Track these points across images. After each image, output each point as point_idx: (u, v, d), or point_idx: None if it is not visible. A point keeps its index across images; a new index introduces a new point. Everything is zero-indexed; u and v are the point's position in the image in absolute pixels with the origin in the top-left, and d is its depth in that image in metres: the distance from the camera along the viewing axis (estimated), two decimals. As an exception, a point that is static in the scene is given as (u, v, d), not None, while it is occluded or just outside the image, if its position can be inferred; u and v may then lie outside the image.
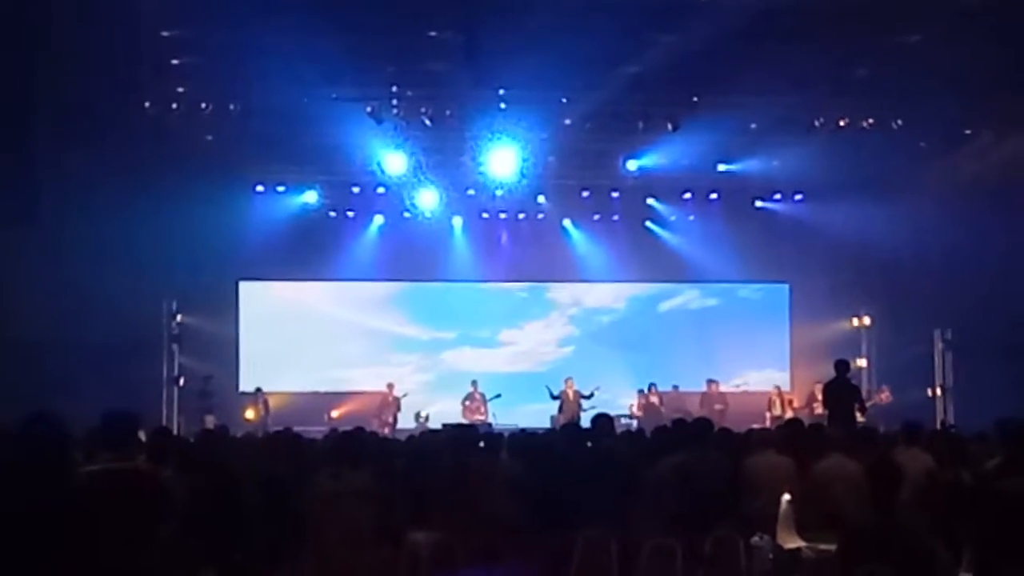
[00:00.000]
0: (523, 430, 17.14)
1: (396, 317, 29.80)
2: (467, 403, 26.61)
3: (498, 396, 26.65)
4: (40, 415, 5.16)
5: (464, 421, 23.33)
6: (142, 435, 10.42)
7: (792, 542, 9.22)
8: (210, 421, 23.55)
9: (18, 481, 5.01)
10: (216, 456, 12.49)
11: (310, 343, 29.26)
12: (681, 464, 11.43)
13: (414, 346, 29.77)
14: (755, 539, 9.21)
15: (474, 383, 27.13)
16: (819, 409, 24.15)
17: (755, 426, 18.48)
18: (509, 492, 11.07)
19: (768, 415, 25.94)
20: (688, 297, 30.47)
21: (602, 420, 12.50)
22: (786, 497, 9.55)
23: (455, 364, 29.51)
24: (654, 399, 27.10)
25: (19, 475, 5.03)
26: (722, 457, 11.73)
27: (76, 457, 6.28)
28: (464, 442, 11.80)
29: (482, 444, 12.59)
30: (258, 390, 27.05)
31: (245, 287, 28.93)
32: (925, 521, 8.34)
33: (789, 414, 24.49)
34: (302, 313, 29.58)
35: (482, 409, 26.43)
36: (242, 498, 10.73)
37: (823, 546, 8.83)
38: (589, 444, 11.84)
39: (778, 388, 27.76)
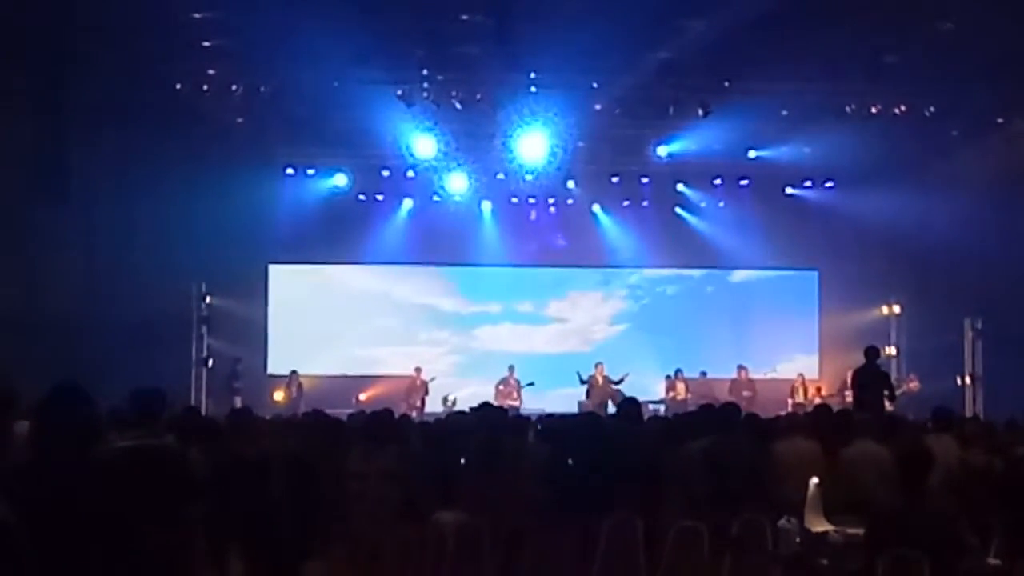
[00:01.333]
0: (551, 415, 17.14)
1: (425, 300, 29.83)
2: (501, 387, 26.57)
3: (531, 384, 26.66)
4: (65, 386, 5.15)
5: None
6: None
7: (820, 526, 9.19)
8: (236, 403, 23.56)
9: (44, 453, 5.01)
10: (244, 436, 12.58)
11: (339, 326, 29.33)
12: (709, 448, 11.41)
13: (442, 330, 29.82)
14: (782, 522, 9.18)
15: (511, 368, 27.10)
16: (850, 397, 24.10)
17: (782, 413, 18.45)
18: (536, 475, 11.07)
19: (791, 402, 25.87)
20: (717, 283, 30.38)
21: (629, 404, 12.48)
22: (814, 480, 9.52)
23: (483, 347, 29.53)
24: (681, 385, 27.09)
25: (46, 447, 5.03)
26: (750, 442, 11.70)
27: (104, 431, 6.25)
28: (492, 423, 11.78)
29: (510, 426, 12.57)
30: (293, 373, 27.14)
31: (274, 270, 28.99)
32: (954, 507, 8.29)
33: (817, 401, 24.38)
34: (331, 296, 29.67)
35: (515, 395, 26.40)
36: (270, 478, 10.77)
37: (851, 530, 8.81)
38: (616, 428, 11.82)
39: (801, 376, 27.72)
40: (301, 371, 27.32)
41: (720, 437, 11.59)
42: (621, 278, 30.40)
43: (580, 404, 24.86)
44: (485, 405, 13.35)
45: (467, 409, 14.34)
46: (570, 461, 11.05)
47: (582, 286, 30.38)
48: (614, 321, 30.17)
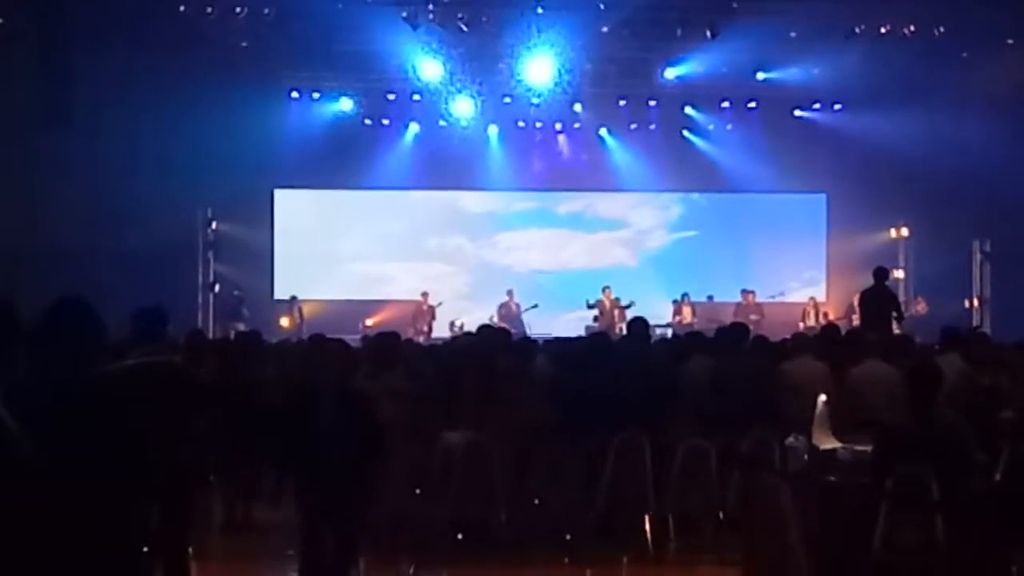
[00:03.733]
0: (557, 338, 17.13)
1: (430, 224, 29.78)
2: (501, 311, 26.58)
3: (535, 306, 26.64)
4: (68, 299, 5.09)
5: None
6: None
7: (828, 443, 9.17)
8: (239, 327, 23.57)
9: (45, 367, 4.96)
10: (251, 357, 12.61)
11: (345, 251, 29.33)
12: (717, 367, 11.41)
13: (449, 255, 29.77)
14: (790, 440, 9.16)
15: (510, 292, 27.10)
16: (857, 320, 24.08)
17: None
18: (543, 394, 11.07)
19: (802, 325, 25.78)
20: (725, 207, 30.27)
21: (638, 323, 12.44)
22: (822, 398, 9.49)
23: (489, 269, 29.49)
24: (687, 309, 27.09)
25: (48, 361, 4.98)
26: (758, 361, 11.70)
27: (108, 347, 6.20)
28: (497, 343, 11.76)
29: (512, 347, 12.57)
30: (293, 298, 27.18)
31: (280, 195, 28.93)
32: (962, 425, 8.27)
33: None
34: (337, 221, 29.62)
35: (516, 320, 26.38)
36: (274, 399, 10.79)
37: (859, 447, 8.79)
38: (624, 347, 11.82)
39: (813, 299, 27.70)
40: (308, 296, 27.36)
41: (728, 356, 11.61)
42: (626, 201, 30.27)
43: (588, 329, 24.84)
44: (484, 328, 13.32)
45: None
46: (578, 380, 11.04)
47: (591, 210, 30.28)
48: (622, 245, 30.08)
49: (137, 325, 8.11)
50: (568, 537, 10.53)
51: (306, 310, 27.09)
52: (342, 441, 8.07)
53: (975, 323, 25.39)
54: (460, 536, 10.51)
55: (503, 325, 22.19)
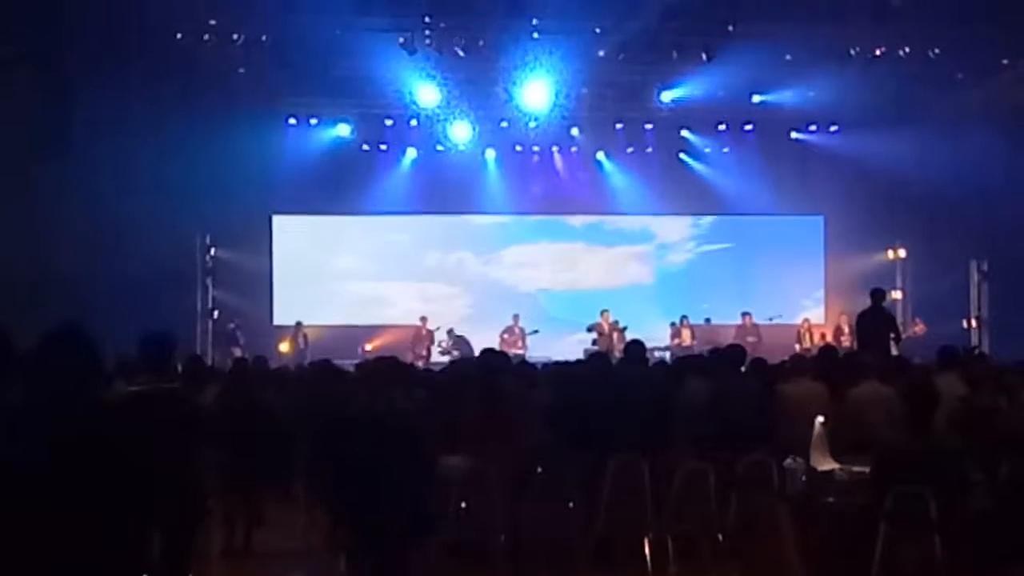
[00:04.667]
0: (557, 362, 17.16)
1: (427, 249, 29.81)
2: (505, 336, 26.60)
3: (535, 332, 26.70)
4: (65, 327, 5.11)
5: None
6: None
7: (826, 464, 9.19)
8: (236, 353, 23.58)
9: (42, 394, 4.98)
10: (253, 384, 12.64)
11: (344, 277, 29.38)
12: (715, 389, 11.43)
13: (446, 278, 29.79)
14: (788, 461, 9.18)
15: (515, 317, 27.19)
16: (846, 341, 24.15)
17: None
18: (542, 418, 11.08)
19: (798, 347, 25.83)
20: (722, 230, 30.32)
21: (635, 346, 12.47)
22: (819, 419, 9.51)
23: (487, 294, 29.52)
24: (686, 332, 27.13)
25: (44, 388, 4.99)
26: (756, 383, 11.72)
27: (107, 373, 6.22)
28: (496, 367, 11.77)
29: (513, 371, 12.58)
30: (298, 324, 27.22)
31: (279, 220, 29.01)
32: (960, 445, 8.30)
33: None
34: (335, 247, 29.70)
35: (519, 343, 26.42)
36: (278, 424, 10.81)
37: (857, 468, 8.81)
38: (622, 369, 11.84)
39: (807, 321, 27.76)
40: (307, 322, 27.38)
41: (726, 378, 11.63)
42: (625, 225, 30.30)
43: (587, 352, 24.82)
44: (487, 351, 13.33)
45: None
46: (576, 402, 11.06)
47: (589, 234, 30.30)
48: (619, 268, 30.11)
49: (144, 350, 8.09)
50: (567, 560, 10.52)
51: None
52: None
53: (973, 343, 25.42)
54: (459, 559, 10.50)
55: (512, 352, 22.28)
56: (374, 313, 28.92)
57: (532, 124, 27.26)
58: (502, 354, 13.56)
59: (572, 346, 25.25)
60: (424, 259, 29.79)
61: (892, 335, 17.46)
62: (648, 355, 15.19)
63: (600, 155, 29.41)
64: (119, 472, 4.89)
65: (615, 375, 11.87)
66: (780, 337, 26.59)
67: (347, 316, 28.71)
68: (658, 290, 29.48)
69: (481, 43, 23.80)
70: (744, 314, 27.31)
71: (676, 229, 30.39)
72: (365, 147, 28.39)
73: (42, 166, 22.36)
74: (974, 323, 27.52)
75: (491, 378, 11.13)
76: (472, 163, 28.77)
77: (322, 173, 27.72)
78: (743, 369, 12.32)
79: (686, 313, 27.60)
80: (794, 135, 28.74)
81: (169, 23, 22.85)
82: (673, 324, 27.47)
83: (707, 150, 29.16)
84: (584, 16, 22.84)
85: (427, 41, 23.45)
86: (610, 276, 30.00)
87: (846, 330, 25.06)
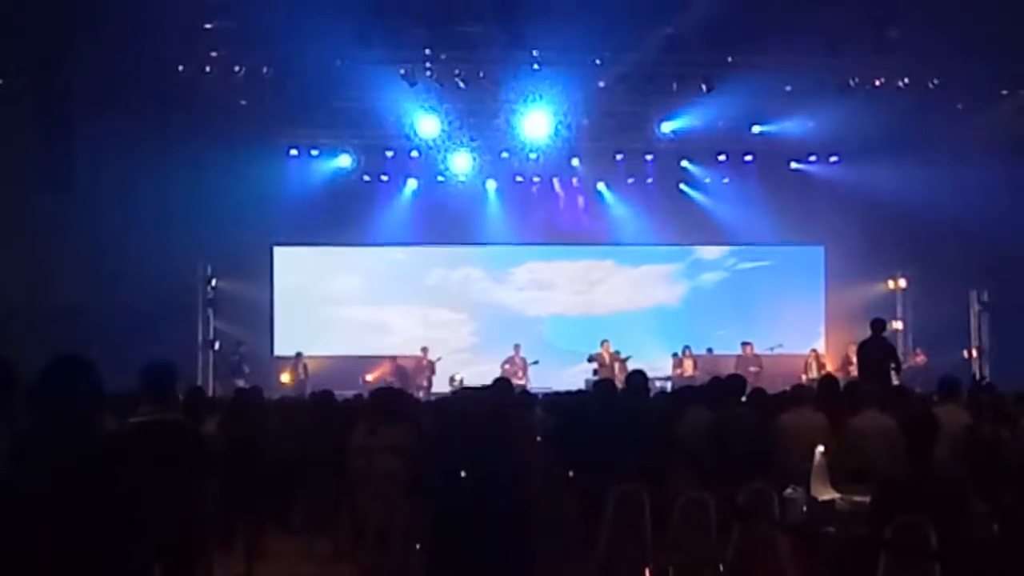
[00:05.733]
0: (558, 392, 17.14)
1: (428, 279, 29.84)
2: (507, 366, 26.54)
3: (536, 362, 26.70)
4: (67, 357, 5.13)
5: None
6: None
7: (826, 494, 9.20)
8: (239, 383, 23.58)
9: (44, 423, 5.00)
10: (254, 414, 12.64)
11: (344, 307, 29.35)
12: (715, 419, 11.43)
13: (446, 308, 29.78)
14: (788, 491, 9.19)
15: (516, 347, 27.12)
16: (854, 372, 24.07)
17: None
18: (543, 448, 11.08)
19: (804, 377, 25.76)
20: (722, 260, 30.34)
21: (636, 376, 12.47)
22: (820, 449, 9.52)
23: (488, 325, 29.51)
24: (688, 362, 27.10)
25: (47, 417, 5.01)
26: (756, 413, 11.72)
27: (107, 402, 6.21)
28: (498, 398, 11.75)
29: (516, 401, 12.58)
30: (298, 355, 27.19)
31: (279, 252, 29.01)
32: (961, 475, 8.29)
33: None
34: (336, 278, 29.68)
35: (520, 374, 26.32)
36: (279, 454, 10.81)
37: (857, 498, 8.81)
38: (624, 399, 11.83)
39: (815, 351, 27.73)
40: (308, 352, 27.34)
41: (726, 408, 11.62)
42: (626, 256, 30.33)
43: (587, 383, 24.80)
44: (498, 380, 13.30)
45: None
46: (577, 433, 11.06)
47: (590, 264, 30.36)
48: (621, 298, 30.09)
49: (146, 381, 8.10)
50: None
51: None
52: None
53: (974, 373, 25.41)
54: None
55: (513, 381, 22.23)
56: (375, 343, 28.88)
57: (533, 155, 27.33)
58: (507, 383, 13.55)
59: (573, 376, 25.24)
60: (421, 289, 29.75)
61: (893, 365, 17.44)
62: (650, 385, 15.17)
63: (601, 185, 29.44)
64: (121, 501, 4.91)
65: (617, 405, 11.86)
66: (782, 367, 26.58)
67: (348, 347, 28.68)
68: (657, 320, 29.42)
69: (481, 74, 23.91)
70: (744, 344, 27.27)
71: (676, 259, 30.33)
72: (366, 178, 28.40)
73: (45, 198, 22.44)
74: (974, 353, 27.50)
75: (496, 409, 11.11)
76: (473, 194, 28.82)
77: (323, 204, 27.75)
78: (743, 399, 12.31)
79: (688, 343, 27.55)
80: (794, 165, 28.78)
81: (171, 55, 22.98)
82: (675, 355, 27.44)
83: (707, 180, 29.17)
84: (584, 47, 22.99)
85: (428, 73, 23.58)
86: (609, 305, 29.93)
87: (854, 360, 25.02)
